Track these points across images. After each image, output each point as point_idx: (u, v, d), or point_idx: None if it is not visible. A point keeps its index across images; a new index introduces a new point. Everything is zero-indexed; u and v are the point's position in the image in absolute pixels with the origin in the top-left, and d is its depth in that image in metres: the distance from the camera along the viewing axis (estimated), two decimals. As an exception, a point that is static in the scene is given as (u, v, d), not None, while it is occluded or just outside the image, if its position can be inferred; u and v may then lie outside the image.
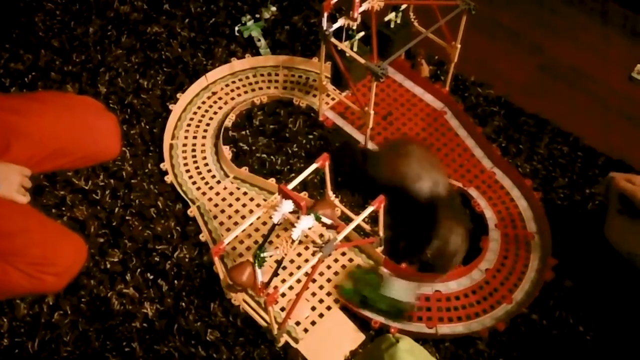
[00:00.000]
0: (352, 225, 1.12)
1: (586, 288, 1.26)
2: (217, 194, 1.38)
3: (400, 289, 1.19)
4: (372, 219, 1.30)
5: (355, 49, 1.42)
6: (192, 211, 1.34)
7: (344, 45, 1.31)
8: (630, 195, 1.17)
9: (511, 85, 1.58)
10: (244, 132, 1.47)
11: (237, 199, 1.37)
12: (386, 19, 1.46)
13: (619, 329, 1.22)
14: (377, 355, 0.90)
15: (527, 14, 1.75)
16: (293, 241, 1.05)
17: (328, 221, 1.12)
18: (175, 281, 1.26)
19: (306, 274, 1.10)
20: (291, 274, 1.26)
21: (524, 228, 1.33)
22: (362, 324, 1.21)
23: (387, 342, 0.91)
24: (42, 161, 1.29)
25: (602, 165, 1.44)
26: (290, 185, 1.13)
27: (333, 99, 1.51)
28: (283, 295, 1.23)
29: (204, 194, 1.37)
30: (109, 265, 1.28)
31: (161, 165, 1.41)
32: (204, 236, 1.31)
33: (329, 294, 1.24)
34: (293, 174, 1.40)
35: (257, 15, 1.68)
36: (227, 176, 1.41)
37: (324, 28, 1.26)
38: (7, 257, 1.15)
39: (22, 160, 1.24)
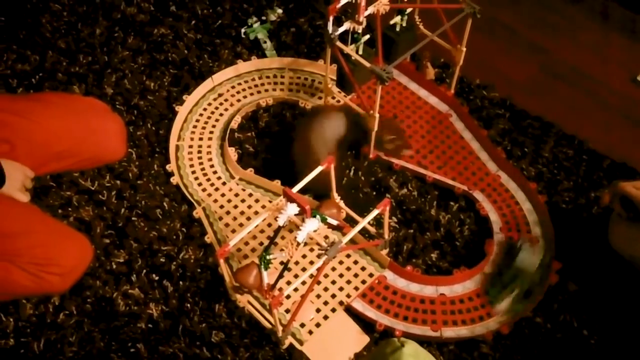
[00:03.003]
0: (358, 227, 1.13)
1: (590, 292, 1.26)
2: (223, 195, 1.38)
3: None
4: (377, 221, 1.31)
5: (360, 52, 1.42)
6: (198, 212, 1.35)
7: (349, 49, 1.31)
8: (635, 199, 1.17)
9: (512, 85, 1.58)
10: (249, 134, 1.48)
11: (243, 201, 1.37)
12: (391, 22, 1.46)
13: (623, 332, 1.22)
14: (381, 359, 0.91)
15: (527, 14, 1.75)
16: (298, 244, 1.06)
17: (334, 222, 1.13)
18: (180, 282, 1.27)
19: (311, 276, 1.10)
20: (296, 276, 1.26)
21: (529, 231, 1.33)
22: (367, 326, 1.22)
23: (391, 346, 0.90)
24: (47, 162, 1.30)
25: (607, 168, 1.44)
26: (295, 189, 1.13)
27: (338, 101, 1.51)
28: (288, 297, 1.23)
29: (209, 195, 1.38)
30: (114, 266, 1.29)
31: (167, 167, 1.41)
32: (209, 237, 1.32)
33: (333, 296, 1.24)
34: (298, 176, 1.40)
35: (263, 18, 1.68)
36: (233, 178, 1.41)
37: (330, 31, 1.27)
38: (12, 258, 1.15)
39: (28, 162, 1.25)
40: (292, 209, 1.07)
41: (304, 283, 1.23)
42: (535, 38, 1.69)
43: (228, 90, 1.55)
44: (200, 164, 1.43)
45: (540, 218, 1.34)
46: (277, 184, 1.38)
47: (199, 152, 1.44)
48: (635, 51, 1.66)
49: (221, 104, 1.53)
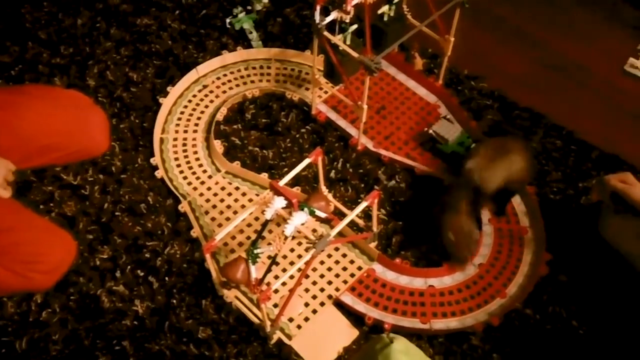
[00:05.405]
0: (346, 220, 1.11)
1: (580, 283, 1.26)
2: (209, 189, 1.36)
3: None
4: (366, 214, 1.30)
5: (348, 42, 1.41)
6: (183, 207, 1.33)
7: (336, 39, 1.29)
8: (622, 193, 1.17)
9: (504, 78, 1.57)
10: (235, 126, 1.46)
11: (229, 194, 1.35)
12: (379, 12, 1.44)
13: (612, 323, 1.22)
14: (371, 356, 0.89)
15: (520, 6, 1.75)
16: (286, 237, 1.04)
17: (322, 214, 1.11)
18: (167, 278, 1.25)
19: (299, 270, 1.09)
20: (284, 270, 1.25)
21: (518, 223, 1.32)
22: (356, 319, 1.21)
23: (381, 343, 0.89)
24: (29, 157, 1.27)
25: (595, 159, 1.43)
26: (283, 181, 1.11)
27: (326, 92, 1.49)
28: (276, 291, 1.22)
29: (195, 189, 1.36)
30: (98, 262, 1.26)
31: (151, 160, 1.39)
32: (195, 232, 1.30)
33: (322, 289, 1.23)
34: (286, 169, 1.38)
35: (249, 7, 1.65)
36: (219, 171, 1.39)
37: (317, 21, 1.25)
38: (-5, 256, 1.13)
39: (9, 156, 1.21)
40: (280, 202, 1.06)
41: (292, 277, 1.22)
42: (529, 30, 1.68)
43: (213, 82, 1.52)
44: (186, 157, 1.41)
45: (529, 209, 1.34)
46: (264, 176, 1.36)
47: (184, 144, 1.42)
48: (628, 44, 1.66)
49: (206, 95, 1.50)
